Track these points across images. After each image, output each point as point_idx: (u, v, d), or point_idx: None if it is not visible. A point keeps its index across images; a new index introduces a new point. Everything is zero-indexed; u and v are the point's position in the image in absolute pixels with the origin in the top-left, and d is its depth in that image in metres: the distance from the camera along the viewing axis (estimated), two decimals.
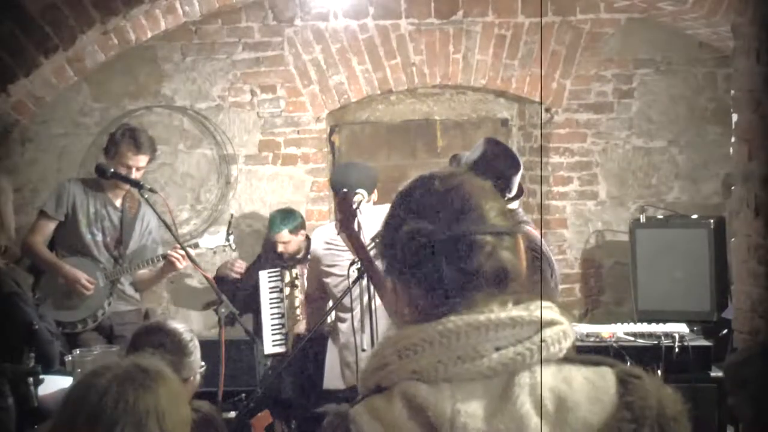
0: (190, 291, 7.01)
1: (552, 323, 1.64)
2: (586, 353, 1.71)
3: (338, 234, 4.68)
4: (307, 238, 6.44)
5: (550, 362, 1.62)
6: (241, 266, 6.47)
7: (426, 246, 1.66)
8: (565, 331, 1.66)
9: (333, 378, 5.28)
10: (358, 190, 4.78)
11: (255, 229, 7.01)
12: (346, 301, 4.82)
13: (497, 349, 1.60)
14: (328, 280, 5.26)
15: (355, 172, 5.23)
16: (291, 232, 6.38)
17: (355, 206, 4.44)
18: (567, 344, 1.65)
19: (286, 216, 6.41)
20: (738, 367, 4.08)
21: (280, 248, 6.42)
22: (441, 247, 1.65)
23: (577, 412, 1.58)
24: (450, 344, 1.60)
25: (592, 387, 1.62)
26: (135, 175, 5.73)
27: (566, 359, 1.65)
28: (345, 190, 4.61)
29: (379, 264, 4.78)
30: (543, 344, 1.61)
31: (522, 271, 1.70)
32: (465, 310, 1.63)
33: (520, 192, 4.35)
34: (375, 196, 5.36)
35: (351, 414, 1.64)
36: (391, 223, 1.74)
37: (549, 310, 1.66)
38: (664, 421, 1.62)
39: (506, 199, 4.20)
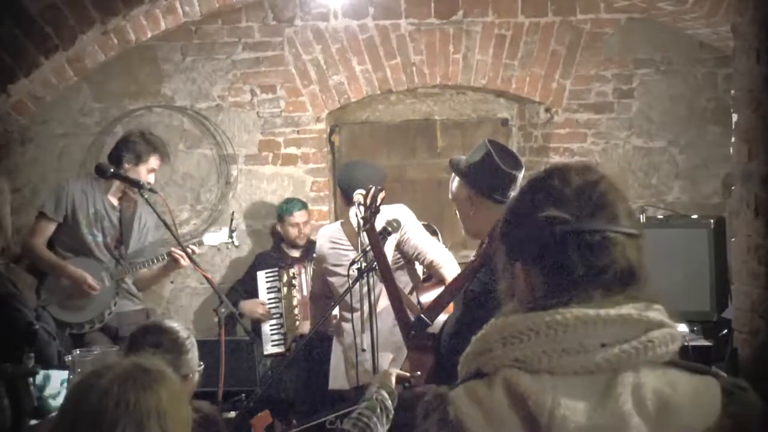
0: (190, 291, 7.01)
1: (661, 325, 1.63)
2: None
3: (363, 229, 4.68)
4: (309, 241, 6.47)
5: (656, 364, 1.61)
6: (266, 311, 6.47)
7: (561, 235, 1.65)
8: (673, 334, 1.65)
9: (338, 378, 5.29)
10: (358, 191, 4.79)
11: (255, 229, 7.01)
12: (352, 301, 4.83)
13: (603, 345, 1.59)
14: (332, 279, 5.26)
15: (365, 172, 5.25)
16: (305, 209, 6.48)
17: (378, 203, 4.47)
18: (674, 347, 1.64)
19: (295, 200, 6.58)
20: (753, 366, 4.08)
21: (295, 232, 6.46)
22: (576, 239, 1.64)
23: (680, 416, 1.57)
24: (556, 336, 1.59)
25: (696, 393, 1.60)
26: (151, 177, 5.79)
27: (672, 363, 1.64)
28: (372, 186, 4.63)
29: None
30: (650, 345, 1.60)
31: (646, 275, 1.70)
32: (577, 304, 1.62)
33: None
34: (382, 194, 5.38)
35: (450, 396, 1.63)
36: (522, 208, 1.72)
37: (658, 312, 1.65)
38: None
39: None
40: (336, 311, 5.32)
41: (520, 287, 1.70)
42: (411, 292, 5.12)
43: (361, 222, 4.58)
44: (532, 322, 1.61)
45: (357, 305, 4.84)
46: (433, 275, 5.24)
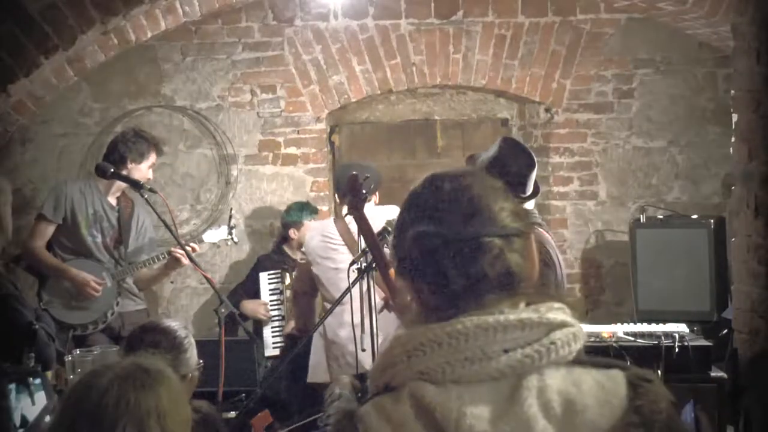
0: (190, 291, 7.01)
1: (562, 325, 1.62)
2: (587, 353, 1.70)
3: (345, 215, 4.68)
4: None
5: (560, 365, 1.61)
6: (267, 311, 6.46)
7: (431, 249, 1.65)
8: (576, 333, 1.63)
9: (319, 372, 5.29)
10: (367, 174, 4.77)
11: (255, 229, 7.01)
12: (336, 294, 4.84)
13: (506, 351, 1.58)
14: (318, 272, 5.27)
15: (359, 172, 5.26)
16: (315, 219, 6.51)
17: (365, 189, 4.45)
18: (577, 346, 1.63)
19: (305, 205, 6.59)
20: (750, 367, 4.08)
21: None
22: (446, 250, 1.64)
23: (586, 415, 1.57)
24: (458, 345, 1.58)
25: (601, 390, 1.60)
26: (150, 172, 5.86)
27: (576, 362, 1.63)
28: (355, 172, 4.63)
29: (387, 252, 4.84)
30: (553, 347, 1.59)
31: (532, 274, 1.69)
32: (474, 311, 1.62)
33: (536, 191, 4.35)
34: (377, 198, 5.38)
35: (359, 413, 1.63)
36: (400, 223, 1.72)
37: (560, 312, 1.64)
38: (673, 426, 1.60)
39: (521, 198, 4.20)
40: (319, 306, 5.36)
41: (413, 301, 1.70)
42: None
43: (348, 210, 4.56)
44: (433, 334, 1.60)
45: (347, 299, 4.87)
46: None
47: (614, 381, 1.62)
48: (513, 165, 4.09)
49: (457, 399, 1.57)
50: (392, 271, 4.52)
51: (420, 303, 1.69)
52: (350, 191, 4.50)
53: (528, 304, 1.64)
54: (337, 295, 4.91)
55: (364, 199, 4.47)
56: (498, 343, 1.58)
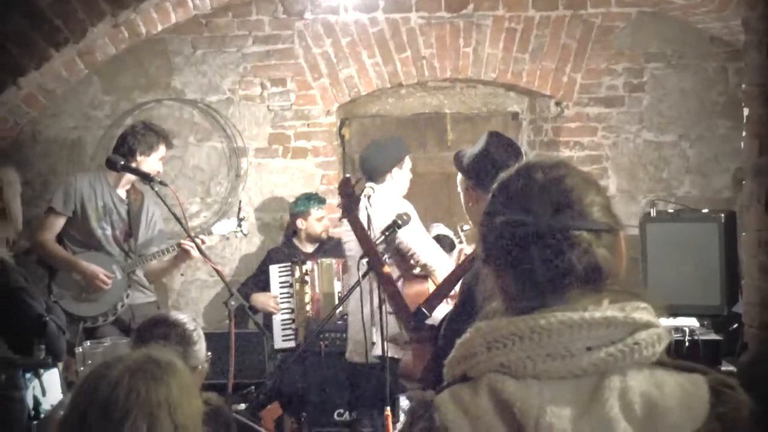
0: (200, 284, 7.02)
1: (647, 325, 1.60)
2: None
3: (339, 220, 4.71)
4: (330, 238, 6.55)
5: (642, 365, 1.59)
6: (277, 304, 6.48)
7: (520, 239, 1.63)
8: (660, 334, 1.61)
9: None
10: (368, 183, 4.78)
11: (265, 222, 7.02)
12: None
13: (589, 348, 1.57)
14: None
15: (373, 154, 5.32)
16: (323, 209, 6.58)
17: (360, 192, 4.46)
18: (660, 348, 1.61)
19: (314, 195, 6.65)
20: (750, 365, 4.06)
21: (321, 227, 6.54)
22: (534, 240, 1.62)
23: (667, 418, 1.55)
24: (541, 340, 1.57)
25: (684, 394, 1.58)
26: (160, 165, 5.88)
27: (659, 363, 1.61)
28: (348, 175, 4.65)
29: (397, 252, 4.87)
30: (636, 347, 1.57)
31: (619, 270, 1.67)
32: (558, 305, 1.61)
33: None
34: (401, 172, 5.40)
35: (436, 402, 1.62)
36: (489, 211, 1.70)
37: (645, 312, 1.62)
38: None
39: None
40: None
41: (496, 290, 1.69)
42: (397, 281, 5.12)
43: (342, 213, 4.57)
44: (515, 327, 1.59)
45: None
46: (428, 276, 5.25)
47: (696, 385, 1.60)
48: (500, 158, 4.08)
49: (537, 395, 1.56)
50: (386, 269, 4.56)
51: (502, 293, 1.68)
52: (343, 194, 4.49)
53: (611, 302, 1.62)
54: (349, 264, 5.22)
55: (358, 202, 4.47)
56: (582, 340, 1.57)
